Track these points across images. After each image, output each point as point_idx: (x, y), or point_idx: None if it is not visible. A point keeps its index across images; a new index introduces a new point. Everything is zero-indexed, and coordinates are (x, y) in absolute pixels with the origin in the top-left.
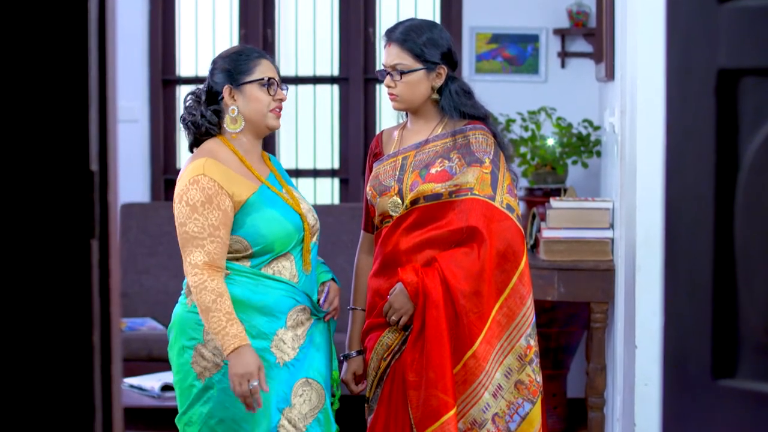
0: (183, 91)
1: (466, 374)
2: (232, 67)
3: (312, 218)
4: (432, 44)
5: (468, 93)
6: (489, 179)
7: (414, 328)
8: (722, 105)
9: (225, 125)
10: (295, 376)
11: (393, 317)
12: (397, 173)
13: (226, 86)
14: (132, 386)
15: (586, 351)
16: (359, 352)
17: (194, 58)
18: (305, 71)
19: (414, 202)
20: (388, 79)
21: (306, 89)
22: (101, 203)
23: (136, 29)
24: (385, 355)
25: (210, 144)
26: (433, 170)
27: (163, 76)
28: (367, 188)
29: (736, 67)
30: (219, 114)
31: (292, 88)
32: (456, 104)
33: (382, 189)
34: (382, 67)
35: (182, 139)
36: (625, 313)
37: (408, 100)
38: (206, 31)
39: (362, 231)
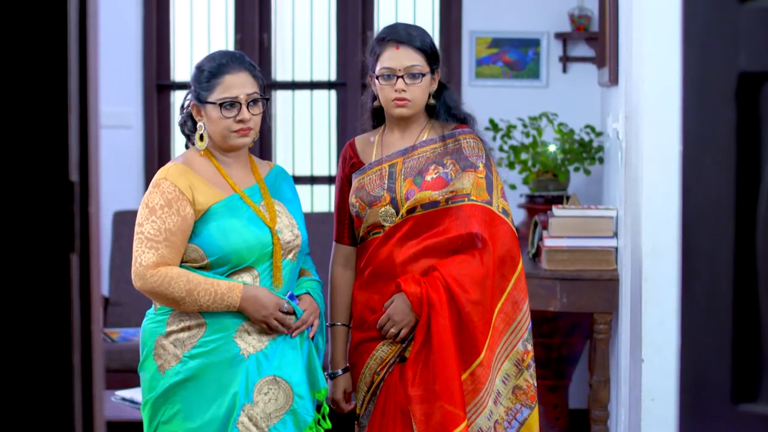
0: (178, 97)
1: (473, 383)
2: (195, 84)
3: (290, 234)
4: (435, 47)
5: (456, 99)
6: (484, 184)
7: (416, 341)
8: (743, 111)
9: (194, 139)
10: (260, 371)
11: (392, 330)
12: (386, 182)
13: (192, 103)
14: (124, 399)
15: (589, 362)
16: (346, 370)
17: (189, 62)
18: (302, 76)
19: (410, 210)
20: (400, 82)
21: (303, 94)
22: (81, 215)
23: (130, 33)
24: (379, 369)
25: (188, 151)
26: (428, 177)
27: (158, 81)
28: (352, 199)
29: (759, 71)
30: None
31: (288, 93)
32: (448, 109)
33: (371, 200)
34: (385, 71)
35: (177, 145)
36: (631, 325)
37: (419, 105)
38: (201, 36)
39: (335, 243)
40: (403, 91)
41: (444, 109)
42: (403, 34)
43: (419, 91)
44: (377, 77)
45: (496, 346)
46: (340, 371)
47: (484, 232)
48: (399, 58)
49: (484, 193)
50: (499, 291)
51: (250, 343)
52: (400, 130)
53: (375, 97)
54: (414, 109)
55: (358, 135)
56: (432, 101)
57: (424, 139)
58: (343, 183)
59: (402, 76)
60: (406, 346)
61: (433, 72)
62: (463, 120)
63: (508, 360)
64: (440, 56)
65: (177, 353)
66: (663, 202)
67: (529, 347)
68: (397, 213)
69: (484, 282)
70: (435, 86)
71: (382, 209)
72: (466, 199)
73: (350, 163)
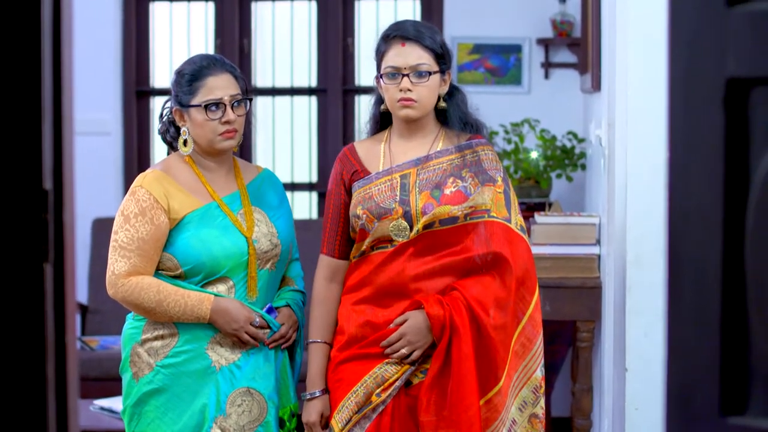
0: (158, 103)
1: (489, 411)
2: (177, 89)
3: (267, 244)
4: (446, 46)
5: (469, 104)
6: (503, 199)
7: (434, 366)
8: (731, 117)
9: (178, 145)
10: (233, 383)
11: (404, 350)
12: (398, 194)
13: (175, 109)
14: (103, 408)
15: (572, 370)
16: (324, 391)
17: (169, 68)
18: (282, 82)
19: (427, 225)
20: (406, 81)
21: (283, 101)
22: (56, 224)
23: (109, 39)
24: (380, 391)
25: (170, 156)
26: (447, 191)
27: (137, 87)
28: (357, 211)
29: (747, 76)
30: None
31: (268, 99)
32: (462, 115)
33: (381, 212)
34: (390, 69)
35: (156, 152)
36: (614, 334)
37: (426, 106)
38: (181, 41)
39: (322, 255)
40: (409, 90)
41: (457, 115)
42: (410, 31)
43: (426, 91)
44: (381, 76)
45: (514, 373)
46: (318, 392)
47: (507, 252)
48: (405, 55)
49: (503, 210)
50: (520, 314)
51: (222, 355)
52: (409, 138)
53: (381, 101)
54: (421, 110)
55: (356, 141)
56: (443, 104)
57: (438, 149)
58: (341, 192)
59: (407, 75)
60: (415, 370)
61: (443, 73)
62: (477, 128)
63: (526, 387)
64: (450, 57)
65: (150, 362)
66: (647, 210)
67: (544, 373)
68: (411, 228)
69: (507, 305)
70: (446, 88)
71: (393, 223)
72: (486, 216)
73: (352, 170)
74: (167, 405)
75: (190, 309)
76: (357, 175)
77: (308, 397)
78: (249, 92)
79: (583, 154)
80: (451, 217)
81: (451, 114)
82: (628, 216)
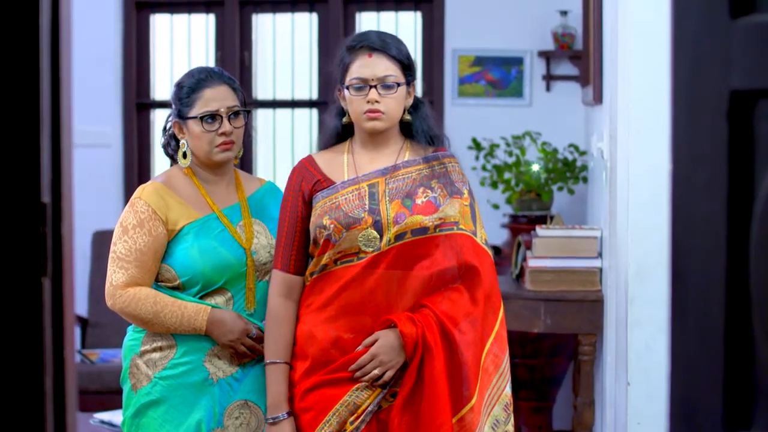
0: (158, 115)
1: (461, 430)
2: (176, 101)
3: (266, 256)
4: (411, 57)
5: (432, 117)
6: (469, 213)
7: (406, 385)
8: (735, 130)
9: (177, 157)
10: (231, 396)
11: (376, 371)
12: (367, 203)
13: (174, 121)
14: (103, 422)
15: (574, 384)
16: (290, 414)
17: (169, 81)
18: (283, 95)
19: (399, 236)
20: (373, 93)
21: (284, 113)
22: (54, 238)
23: (109, 50)
24: (353, 419)
25: (171, 168)
26: (418, 201)
27: (138, 99)
28: (323, 221)
29: (752, 89)
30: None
31: (269, 112)
32: (427, 128)
33: (349, 221)
34: (356, 81)
35: (157, 164)
36: (616, 347)
37: (393, 119)
38: (182, 54)
39: (276, 270)
40: (377, 102)
41: (422, 128)
42: (376, 41)
43: (394, 104)
44: (347, 88)
45: (485, 390)
46: (282, 415)
47: (479, 266)
48: (372, 66)
49: (469, 223)
50: (488, 329)
51: (219, 368)
52: (374, 149)
53: (342, 113)
54: (388, 122)
55: (313, 153)
56: (407, 117)
57: (406, 159)
58: (298, 203)
59: (375, 86)
60: (386, 393)
61: (408, 84)
62: (441, 141)
63: (498, 404)
64: (415, 68)
65: (149, 373)
66: (649, 223)
67: (512, 389)
68: (381, 237)
69: (477, 320)
70: (411, 101)
71: (363, 233)
72: (455, 228)
73: (313, 180)
74: (165, 417)
75: (187, 320)
76: (320, 185)
77: (271, 420)
78: (248, 104)
79: (584, 167)
80: (422, 227)
81: (417, 127)
82: (630, 229)
